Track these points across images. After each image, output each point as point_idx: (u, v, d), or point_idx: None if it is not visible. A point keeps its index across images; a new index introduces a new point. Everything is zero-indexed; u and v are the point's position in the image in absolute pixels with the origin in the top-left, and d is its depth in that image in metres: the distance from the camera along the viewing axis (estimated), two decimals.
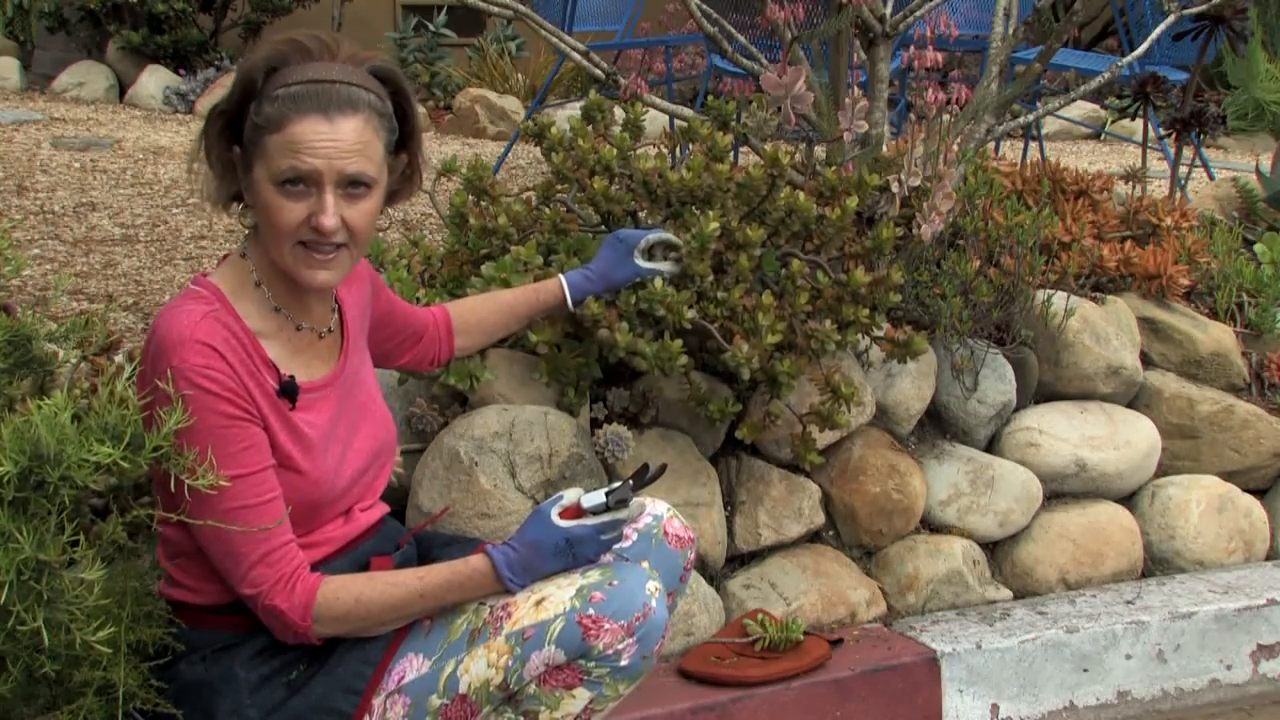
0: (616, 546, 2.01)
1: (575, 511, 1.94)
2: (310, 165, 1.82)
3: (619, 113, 3.02)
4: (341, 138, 1.83)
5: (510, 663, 1.85)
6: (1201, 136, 4.41)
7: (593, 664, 1.85)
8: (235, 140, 1.90)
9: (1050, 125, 7.38)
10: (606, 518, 1.92)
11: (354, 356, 2.05)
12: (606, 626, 1.84)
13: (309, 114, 1.82)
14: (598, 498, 1.94)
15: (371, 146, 1.87)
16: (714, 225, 2.57)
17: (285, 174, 1.83)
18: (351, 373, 2.03)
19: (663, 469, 2.04)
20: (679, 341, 2.54)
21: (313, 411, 1.93)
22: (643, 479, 1.99)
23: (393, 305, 2.25)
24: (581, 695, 1.87)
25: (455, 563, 1.92)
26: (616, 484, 1.96)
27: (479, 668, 1.87)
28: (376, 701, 1.89)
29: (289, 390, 1.89)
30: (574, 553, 1.91)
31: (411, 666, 1.90)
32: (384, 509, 2.08)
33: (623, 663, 1.85)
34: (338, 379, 1.99)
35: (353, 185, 1.85)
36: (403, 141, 1.96)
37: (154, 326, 1.85)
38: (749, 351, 2.58)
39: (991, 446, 3.17)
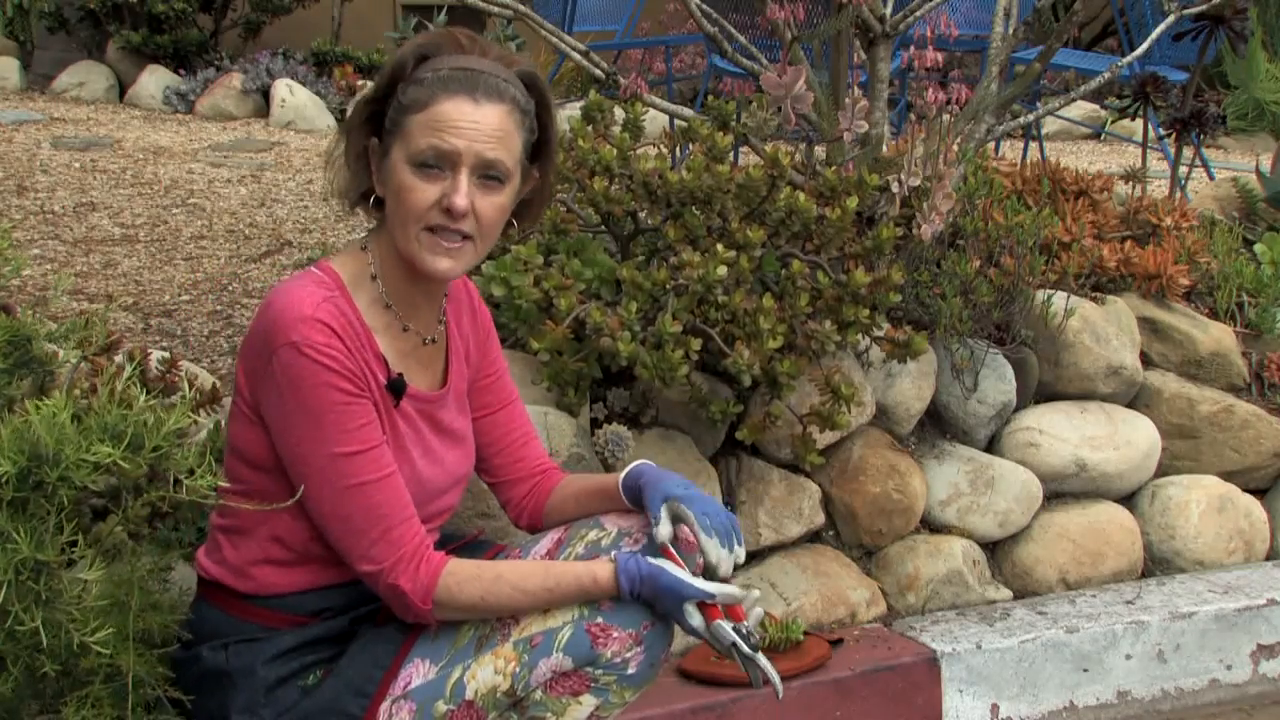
0: (621, 549, 2.00)
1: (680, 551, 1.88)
2: (451, 145, 1.83)
3: (619, 113, 3.02)
4: (485, 122, 1.85)
5: (517, 669, 1.84)
6: (1201, 136, 4.42)
7: (600, 671, 1.84)
8: (375, 132, 1.91)
9: (1050, 125, 7.37)
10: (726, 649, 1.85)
11: (456, 385, 2.04)
12: (614, 635, 1.83)
13: (457, 95, 1.84)
14: (725, 636, 1.84)
15: (511, 139, 1.88)
16: (721, 269, 2.57)
17: (425, 153, 1.84)
18: (452, 401, 2.03)
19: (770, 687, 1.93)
20: (680, 351, 2.54)
21: (407, 421, 1.94)
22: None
23: (500, 383, 2.14)
24: (588, 702, 1.86)
25: (582, 576, 1.86)
26: (746, 634, 1.85)
27: (486, 674, 1.86)
28: (383, 707, 1.88)
29: (397, 387, 1.90)
30: (669, 609, 1.84)
31: (418, 672, 1.89)
32: (435, 537, 2.05)
33: (630, 671, 1.85)
34: (437, 400, 1.99)
35: (488, 174, 1.86)
36: (538, 150, 1.96)
37: (269, 302, 1.84)
38: (750, 357, 2.58)
39: (991, 446, 3.17)
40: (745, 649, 1.83)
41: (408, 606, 1.86)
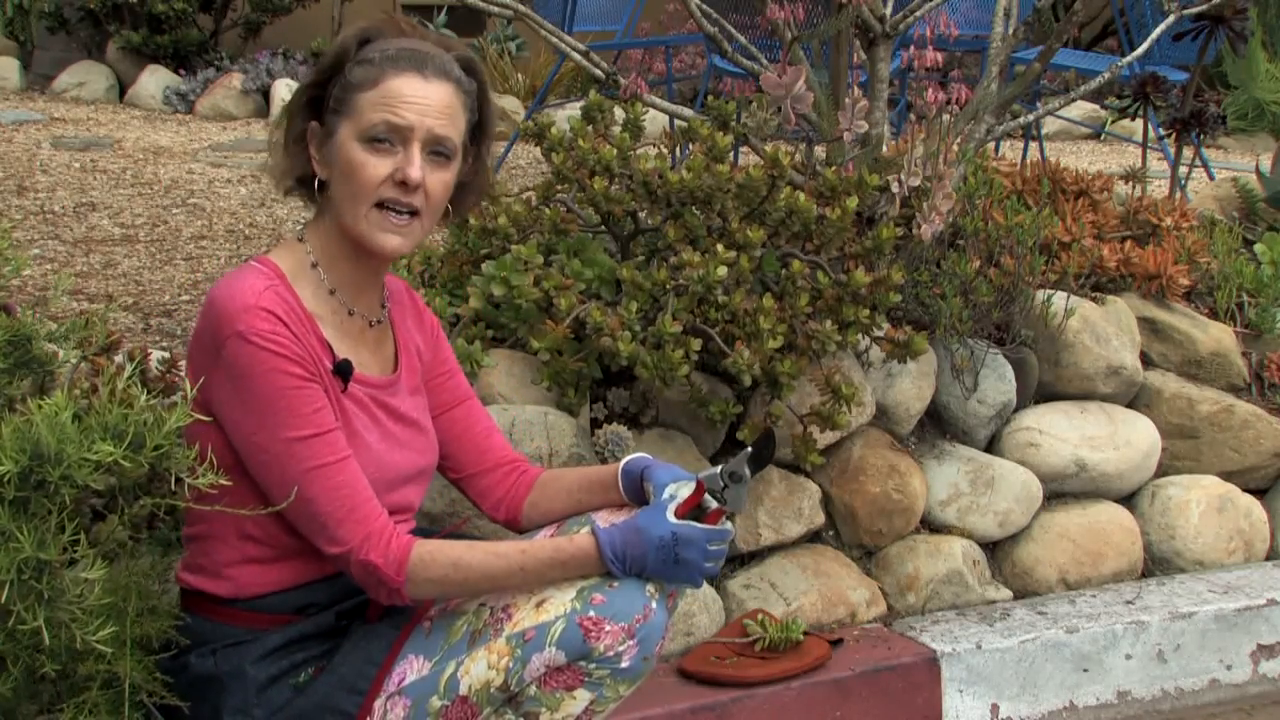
0: None
1: (690, 504, 1.93)
2: (404, 119, 1.87)
3: (619, 113, 3.02)
4: (434, 98, 1.89)
5: (511, 664, 1.85)
6: (1201, 136, 4.42)
7: (593, 665, 1.84)
8: (315, 115, 1.94)
9: (1050, 125, 7.37)
10: (724, 513, 1.91)
11: (408, 376, 2.05)
12: (607, 628, 1.83)
13: (406, 71, 1.88)
14: (715, 479, 1.94)
15: (458, 117, 1.93)
16: (721, 269, 2.57)
17: (377, 128, 1.87)
18: (405, 389, 2.03)
19: (768, 438, 2.02)
20: (680, 351, 2.54)
21: (359, 405, 1.94)
22: (760, 456, 1.97)
23: (455, 381, 2.16)
24: (582, 696, 1.86)
25: (559, 539, 1.92)
26: (729, 462, 1.94)
27: (479, 669, 1.86)
28: (377, 704, 1.88)
29: (343, 370, 1.90)
30: (677, 553, 1.86)
31: (412, 668, 1.90)
32: (411, 525, 2.06)
33: (623, 664, 1.85)
34: (388, 386, 2.00)
35: (436, 150, 1.90)
36: (476, 133, 2.00)
37: (212, 296, 1.86)
38: (750, 357, 2.58)
39: (991, 446, 3.17)
40: (727, 485, 1.93)
41: (381, 582, 1.86)
